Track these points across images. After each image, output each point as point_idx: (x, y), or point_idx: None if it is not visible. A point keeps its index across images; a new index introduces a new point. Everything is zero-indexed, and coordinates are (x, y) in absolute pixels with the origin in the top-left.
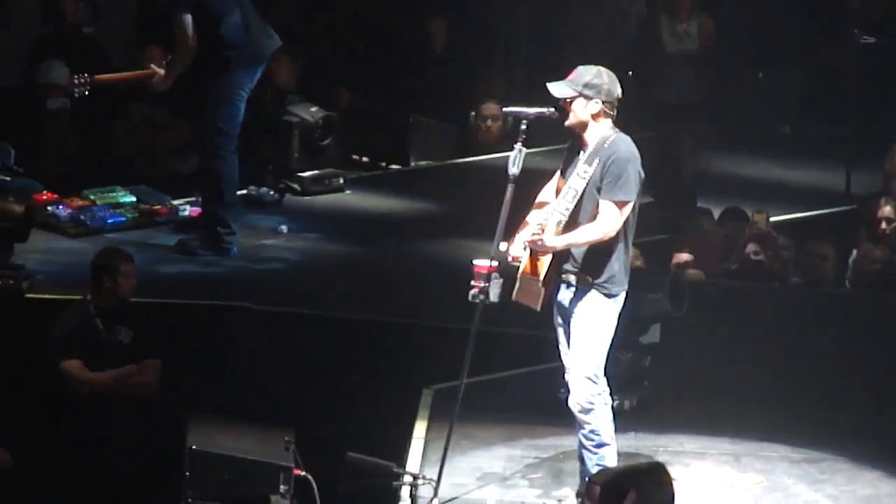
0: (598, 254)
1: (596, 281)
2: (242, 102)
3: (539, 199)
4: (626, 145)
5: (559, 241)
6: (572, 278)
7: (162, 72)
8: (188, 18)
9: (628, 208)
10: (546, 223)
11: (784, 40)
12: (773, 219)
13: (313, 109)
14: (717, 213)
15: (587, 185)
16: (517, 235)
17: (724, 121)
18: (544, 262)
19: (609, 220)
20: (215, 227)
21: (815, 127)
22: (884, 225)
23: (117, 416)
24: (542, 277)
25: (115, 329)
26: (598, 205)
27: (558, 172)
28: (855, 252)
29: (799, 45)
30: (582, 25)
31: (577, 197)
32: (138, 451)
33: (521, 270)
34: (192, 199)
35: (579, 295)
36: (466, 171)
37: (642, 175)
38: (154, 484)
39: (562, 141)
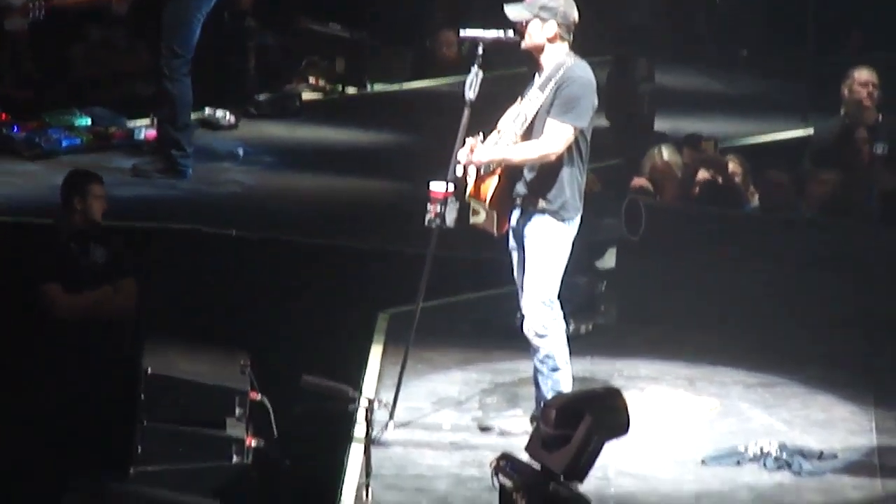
0: (551, 179)
1: (549, 206)
2: (198, 25)
3: (499, 124)
4: (582, 71)
5: (490, 155)
6: (525, 202)
7: None
8: None
9: (572, 133)
10: (488, 145)
11: None
12: (732, 143)
13: (269, 33)
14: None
15: (538, 110)
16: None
17: (682, 44)
18: (489, 184)
19: (551, 140)
20: (170, 150)
21: (773, 50)
22: (857, 143)
23: (92, 340)
24: (487, 199)
25: (89, 250)
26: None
27: (520, 97)
28: (809, 176)
29: None
30: None
31: (527, 122)
32: (103, 374)
33: (467, 193)
34: (148, 121)
35: (533, 220)
36: (423, 96)
37: (595, 104)
38: (110, 407)
39: (521, 64)
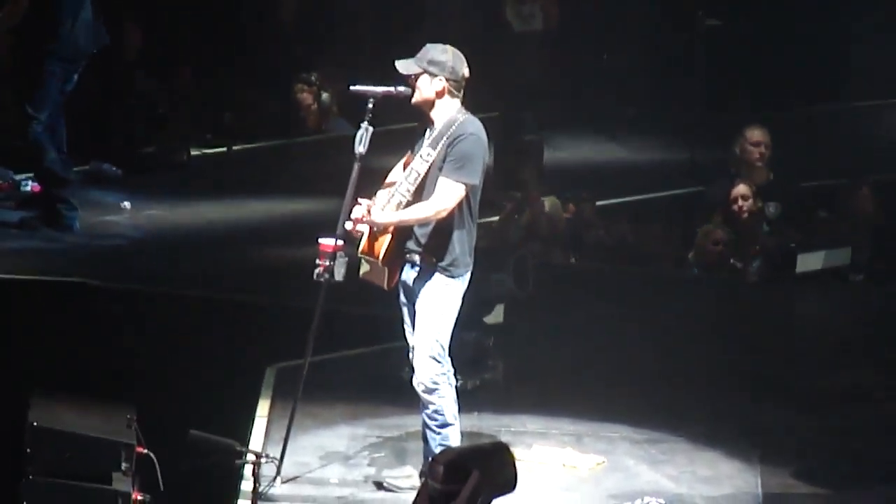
0: (441, 235)
1: (439, 262)
2: (53, 85)
3: (389, 178)
4: (473, 127)
5: (387, 218)
6: (416, 258)
7: None
8: None
9: (464, 191)
10: (384, 205)
11: (629, 22)
12: (616, 200)
13: (157, 85)
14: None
15: (430, 167)
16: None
17: (570, 102)
18: (382, 242)
19: (443, 198)
20: (54, 204)
21: (661, 110)
22: (739, 202)
23: None
24: (380, 257)
25: None
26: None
27: (409, 152)
28: (697, 233)
29: (644, 27)
30: (436, 3)
31: (419, 179)
32: None
33: (359, 249)
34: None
35: (423, 275)
36: (312, 149)
37: (486, 160)
38: None
39: (412, 119)
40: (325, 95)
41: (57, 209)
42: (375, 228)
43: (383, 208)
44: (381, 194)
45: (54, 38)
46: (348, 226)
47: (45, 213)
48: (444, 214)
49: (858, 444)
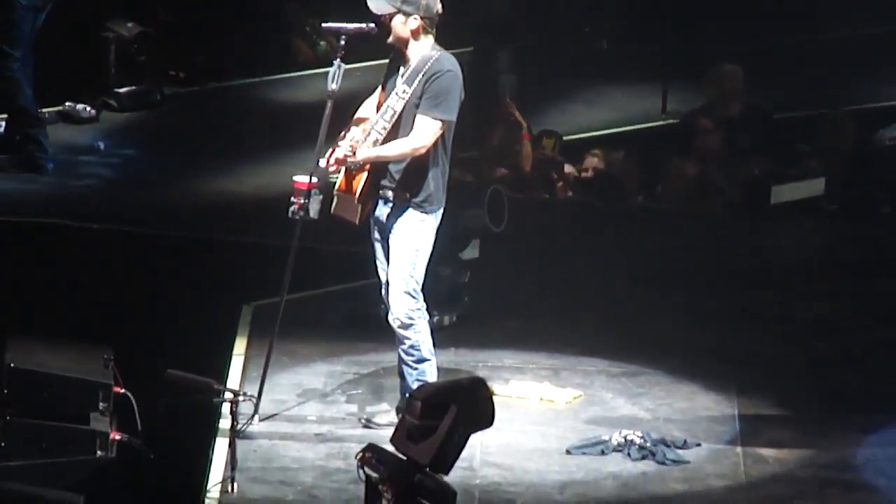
0: (415, 171)
1: (413, 199)
2: (26, 23)
3: (358, 114)
4: (449, 64)
5: (369, 154)
6: (389, 194)
7: None
8: None
9: (440, 127)
10: (360, 141)
11: None
12: (588, 135)
13: (129, 25)
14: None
15: (406, 104)
16: (334, 151)
17: (543, 35)
18: (360, 179)
19: (421, 135)
20: (26, 146)
21: (633, 42)
22: (703, 135)
23: None
24: (357, 194)
25: None
26: (415, 124)
27: (379, 87)
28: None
29: None
30: None
31: (395, 117)
32: None
33: (336, 187)
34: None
35: (396, 212)
36: (283, 88)
37: (462, 97)
38: None
39: (383, 56)
40: (321, 44)
41: (29, 151)
42: (352, 166)
43: (354, 147)
44: (355, 131)
45: None
46: (322, 163)
47: (17, 155)
48: (422, 151)
49: (833, 373)
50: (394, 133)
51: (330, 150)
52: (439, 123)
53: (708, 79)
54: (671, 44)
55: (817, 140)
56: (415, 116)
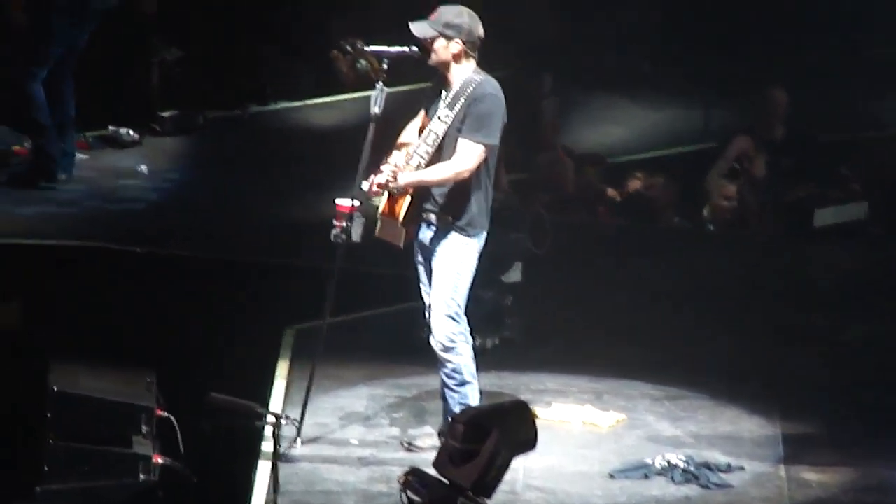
0: (458, 195)
1: (456, 222)
2: (58, 46)
3: (401, 138)
4: (491, 88)
5: (411, 178)
6: (433, 218)
7: None
8: None
9: (484, 151)
10: (403, 166)
11: None
12: (632, 157)
13: (172, 49)
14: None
15: (448, 128)
16: (376, 175)
17: (584, 58)
18: (403, 203)
19: (464, 159)
20: (37, 156)
21: (675, 64)
22: (745, 159)
23: None
24: (400, 218)
25: None
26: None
27: (422, 111)
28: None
29: None
30: None
31: (438, 141)
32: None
33: (379, 211)
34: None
35: (440, 235)
36: (327, 111)
37: (505, 120)
38: (17, 425)
39: (426, 79)
40: (362, 63)
41: (39, 160)
42: (395, 191)
43: (395, 172)
44: (397, 155)
45: None
46: (364, 186)
47: (33, 166)
48: (465, 175)
49: (877, 396)
50: (437, 157)
51: (372, 174)
52: (482, 147)
53: (753, 102)
54: (713, 66)
55: (860, 163)
56: (457, 140)
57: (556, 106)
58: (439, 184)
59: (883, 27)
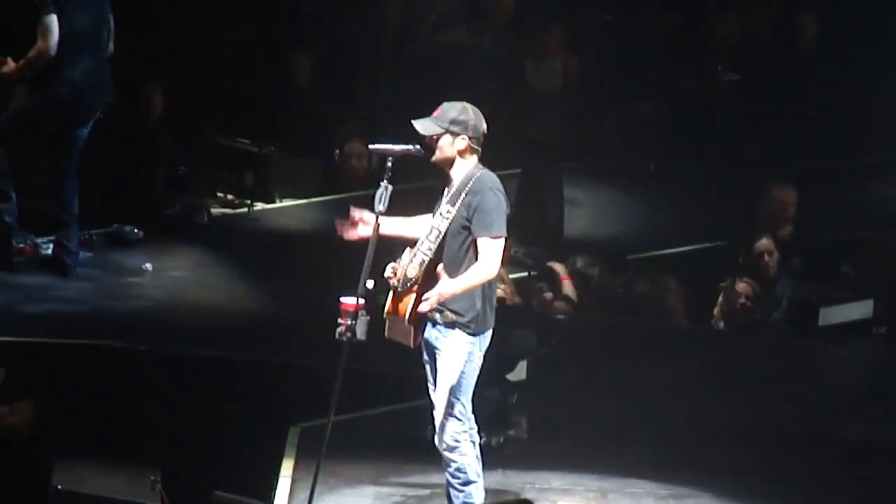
0: (463, 292)
1: (460, 319)
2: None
3: (408, 230)
4: (491, 181)
5: (447, 289)
6: (437, 316)
7: (12, 64)
8: (54, 21)
9: (503, 242)
10: (406, 264)
11: (648, 76)
12: (637, 255)
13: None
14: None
15: (450, 224)
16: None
17: (590, 157)
18: (408, 302)
19: (490, 258)
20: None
21: (680, 164)
22: (766, 257)
23: None
24: (406, 316)
25: None
26: (462, 244)
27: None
28: (722, 288)
29: (663, 81)
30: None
31: (440, 237)
32: (4, 492)
33: (385, 311)
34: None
35: (444, 333)
36: (332, 208)
37: (508, 210)
38: None
39: (430, 178)
40: (375, 160)
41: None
42: (399, 287)
43: (406, 267)
44: (404, 256)
45: (61, 81)
46: (370, 284)
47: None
48: (495, 273)
49: (887, 497)
50: (439, 254)
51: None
52: (501, 240)
53: (762, 200)
54: (717, 166)
55: (864, 262)
56: (459, 237)
57: (561, 203)
58: (473, 289)
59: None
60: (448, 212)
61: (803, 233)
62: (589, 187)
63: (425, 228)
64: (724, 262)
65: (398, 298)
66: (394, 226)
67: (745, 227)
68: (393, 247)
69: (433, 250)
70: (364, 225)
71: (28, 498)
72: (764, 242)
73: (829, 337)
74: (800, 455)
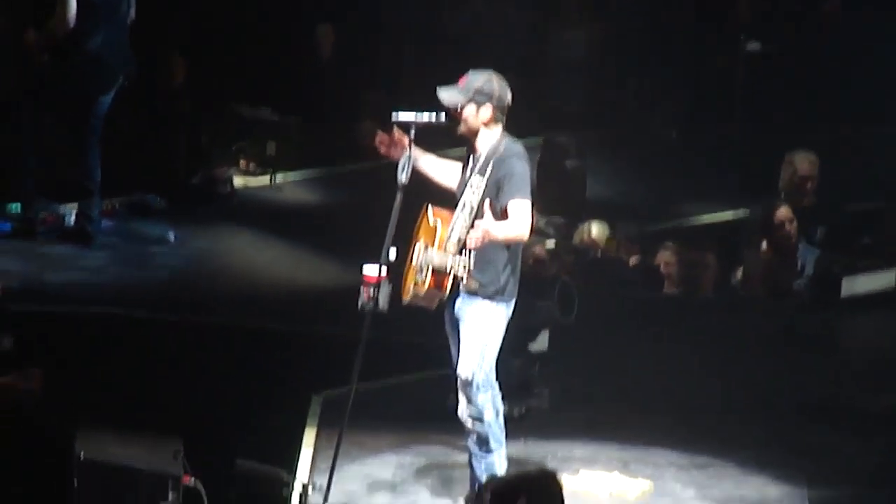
0: (487, 262)
1: (484, 289)
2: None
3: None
4: (517, 149)
5: (496, 231)
6: (462, 285)
7: (33, 35)
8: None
9: (531, 205)
10: (446, 239)
11: (672, 45)
12: (662, 225)
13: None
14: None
15: (482, 197)
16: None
17: (612, 126)
18: (448, 279)
19: (522, 220)
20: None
21: (702, 132)
22: (787, 226)
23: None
24: (447, 292)
25: None
26: (497, 212)
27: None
28: (745, 258)
29: (686, 50)
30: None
31: (474, 212)
32: (24, 462)
33: (426, 286)
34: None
35: (468, 302)
36: (353, 179)
37: (534, 180)
38: (41, 494)
39: (452, 145)
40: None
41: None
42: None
43: (446, 243)
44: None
45: (80, 49)
46: (392, 254)
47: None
48: (527, 236)
49: None
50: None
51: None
52: (529, 202)
53: (783, 169)
54: (740, 133)
55: (887, 232)
56: (493, 205)
57: (583, 172)
58: (505, 241)
59: None
60: (478, 185)
61: (825, 201)
62: (610, 156)
63: (458, 197)
64: (747, 232)
65: (442, 275)
66: (428, 164)
67: (767, 196)
68: (415, 218)
69: (467, 227)
70: (403, 147)
71: (50, 467)
72: (783, 211)
73: (852, 307)
74: (819, 424)
